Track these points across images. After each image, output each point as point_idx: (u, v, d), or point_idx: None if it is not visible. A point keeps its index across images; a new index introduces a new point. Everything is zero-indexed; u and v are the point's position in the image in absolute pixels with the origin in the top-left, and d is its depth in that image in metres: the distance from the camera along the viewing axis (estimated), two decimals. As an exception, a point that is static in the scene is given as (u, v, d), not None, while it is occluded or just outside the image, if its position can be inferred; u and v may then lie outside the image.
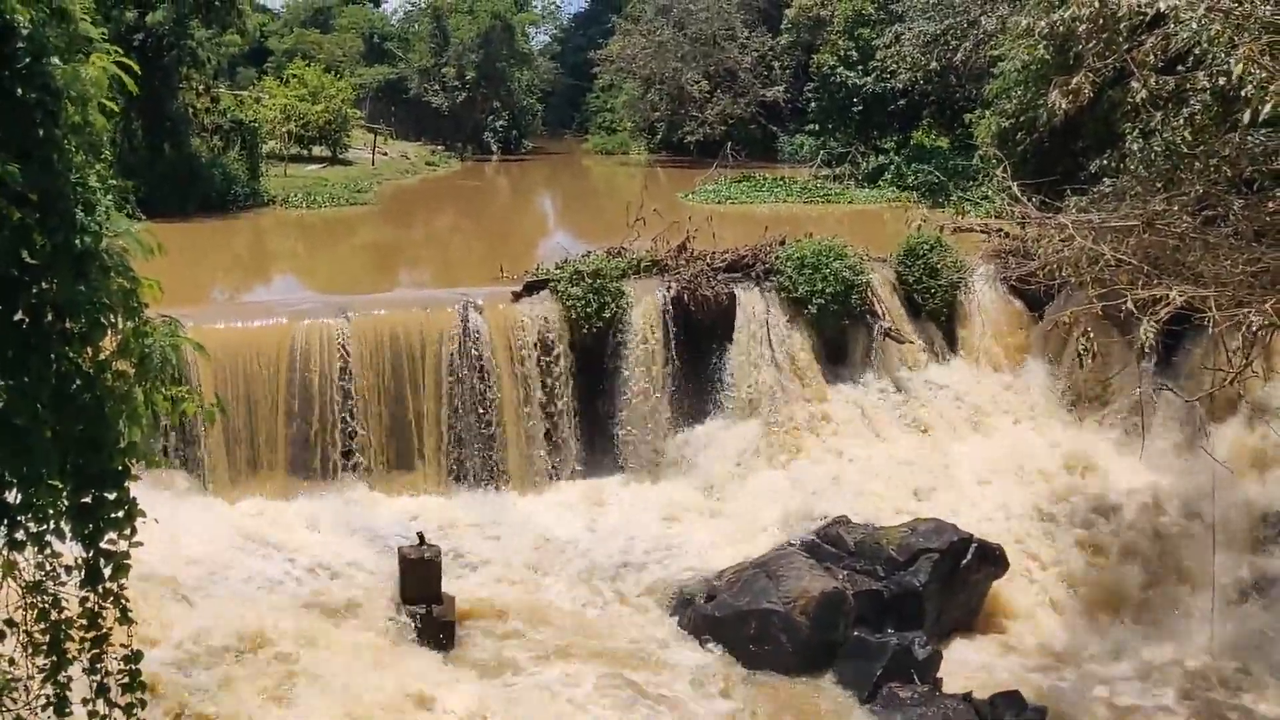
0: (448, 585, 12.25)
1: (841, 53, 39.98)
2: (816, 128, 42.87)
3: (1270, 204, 9.13)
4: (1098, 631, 12.94)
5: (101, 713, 5.58)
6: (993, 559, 13.28)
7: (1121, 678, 12.04)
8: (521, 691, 11.04)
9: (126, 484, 5.31)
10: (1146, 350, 9.51)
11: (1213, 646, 12.48)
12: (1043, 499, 15.23)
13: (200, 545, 12.63)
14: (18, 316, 4.90)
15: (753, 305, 17.10)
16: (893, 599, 12.51)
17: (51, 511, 5.18)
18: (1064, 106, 10.20)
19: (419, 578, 11.96)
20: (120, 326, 5.26)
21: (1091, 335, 9.48)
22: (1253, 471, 15.15)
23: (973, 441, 16.91)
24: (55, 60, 4.89)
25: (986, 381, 17.84)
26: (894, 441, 16.70)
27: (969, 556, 13.02)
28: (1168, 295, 8.68)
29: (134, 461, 5.34)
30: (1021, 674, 12.18)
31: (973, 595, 13.25)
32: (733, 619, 12.10)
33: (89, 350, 5.14)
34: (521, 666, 11.55)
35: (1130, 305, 8.83)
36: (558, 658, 11.79)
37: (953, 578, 12.90)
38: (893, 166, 35.06)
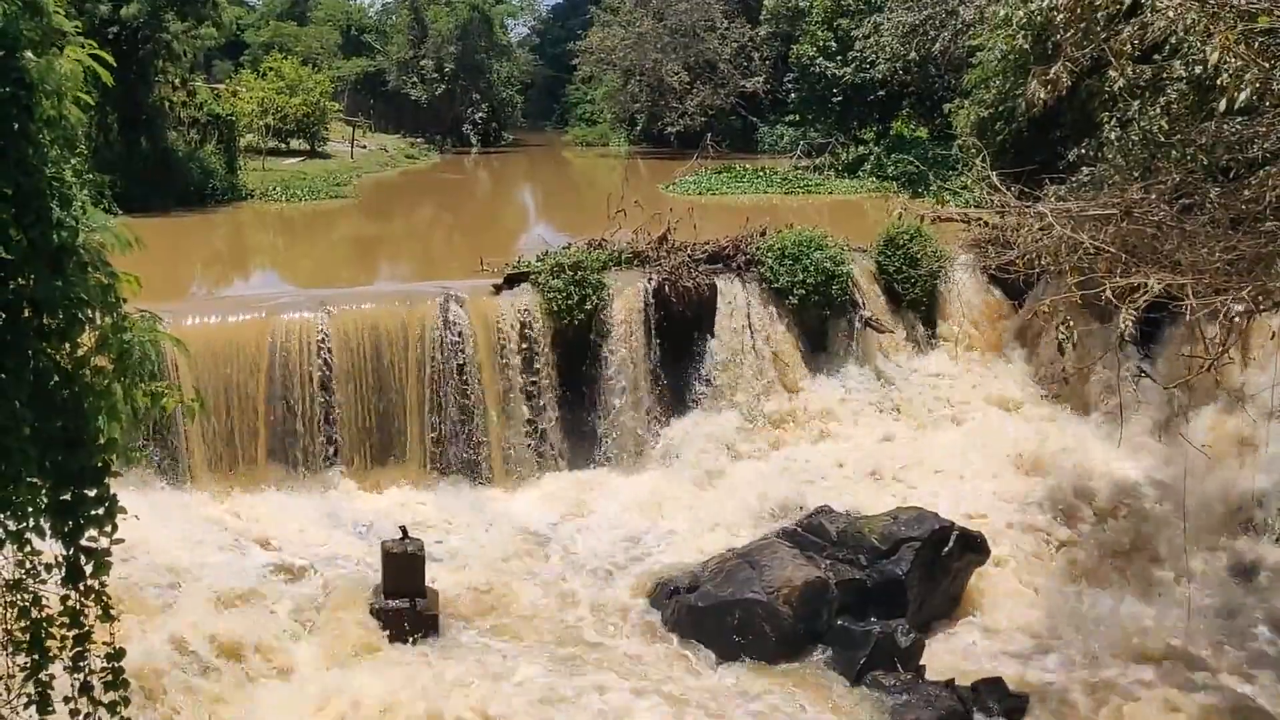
0: (430, 579, 12.23)
1: (821, 43, 40.02)
2: (796, 118, 42.98)
3: (1246, 191, 9.19)
4: (1079, 617, 13.01)
5: (85, 711, 5.55)
6: (974, 547, 13.33)
7: (1102, 661, 12.11)
8: (504, 685, 11.03)
9: (106, 481, 5.28)
10: (1125, 338, 9.55)
11: (1190, 629, 12.58)
12: (1023, 486, 15.31)
13: (180, 540, 12.57)
14: (-6, 313, 4.86)
15: (734, 296, 17.14)
16: (875, 588, 12.55)
17: (31, 509, 5.15)
18: (1042, 96, 10.22)
19: (402, 571, 11.92)
20: (98, 322, 5.22)
21: (1070, 323, 9.51)
22: (1230, 457, 15.27)
23: (953, 430, 17.00)
24: (29, 54, 4.85)
25: (967, 370, 17.93)
26: (875, 430, 16.78)
27: (950, 544, 13.07)
28: (1146, 283, 8.71)
29: (114, 458, 5.31)
30: (1003, 660, 12.24)
31: (955, 583, 13.31)
32: (716, 609, 12.12)
33: (67, 346, 5.11)
34: (504, 660, 11.54)
35: (1109, 293, 8.86)
36: (541, 651, 11.79)
37: (934, 566, 12.95)
38: (872, 157, 35.16)
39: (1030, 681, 11.70)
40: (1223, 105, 8.43)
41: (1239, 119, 9.35)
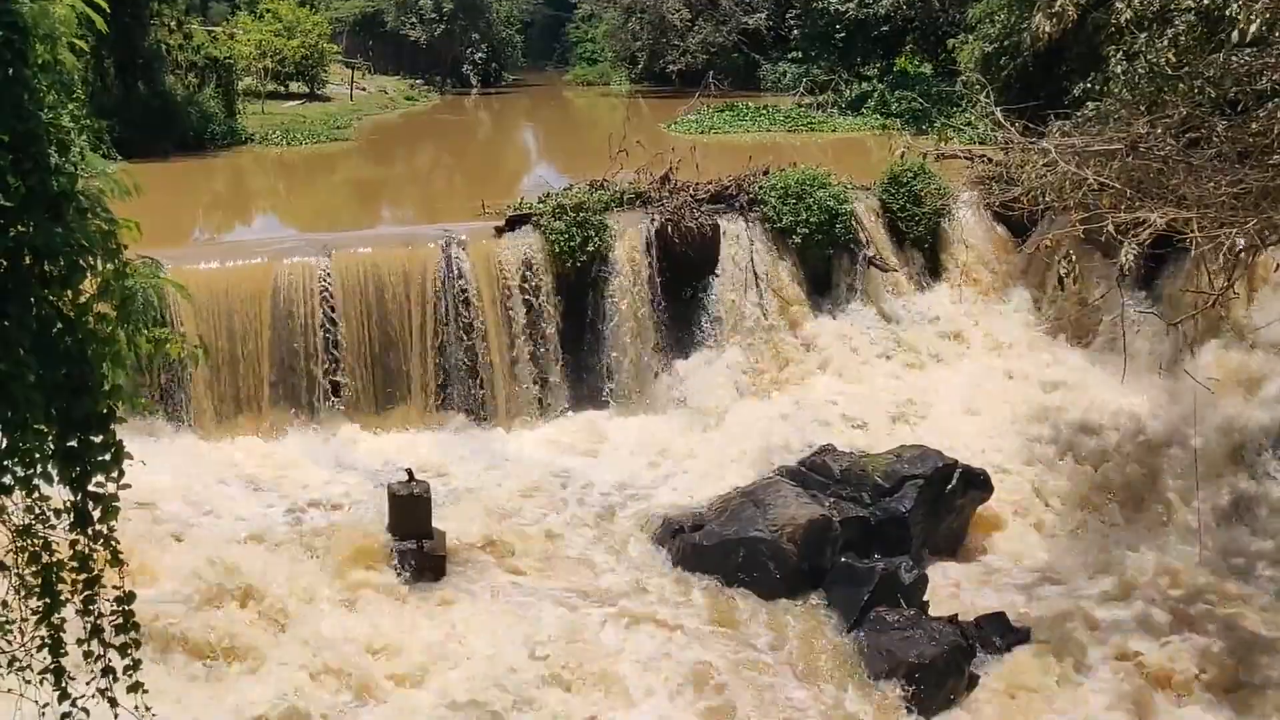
0: (437, 521, 12.32)
1: (823, -23, 39.44)
2: (799, 55, 42.46)
3: (1254, 124, 9.09)
4: (1081, 552, 13.11)
5: (96, 653, 5.61)
6: (978, 484, 13.41)
7: (1105, 597, 12.22)
8: (509, 623, 11.13)
9: (112, 427, 5.29)
10: (1128, 273, 9.52)
11: (1192, 564, 12.67)
12: (1026, 423, 15.33)
13: (185, 484, 12.65)
14: (-5, 260, 4.84)
15: (737, 236, 17.07)
16: (879, 525, 12.64)
17: (38, 456, 5.16)
18: (1048, 30, 10.10)
19: (408, 513, 12.00)
20: (100, 268, 5.21)
21: (1073, 258, 9.49)
22: (1234, 393, 15.27)
23: (957, 367, 17.01)
24: (21, -3, 4.79)
25: (970, 307, 17.88)
26: (879, 369, 16.79)
27: (954, 482, 13.14)
28: (1150, 218, 8.67)
29: (119, 404, 5.33)
30: (1006, 596, 12.35)
31: (958, 520, 13.40)
32: (720, 547, 12.21)
33: (69, 293, 5.09)
34: (511, 599, 11.65)
35: (1112, 228, 8.82)
36: (546, 589, 11.90)
37: (938, 503, 13.03)
38: (876, 94, 34.76)
39: (1033, 616, 11.82)
40: (1234, 37, 8.32)
41: (1248, 51, 9.22)
